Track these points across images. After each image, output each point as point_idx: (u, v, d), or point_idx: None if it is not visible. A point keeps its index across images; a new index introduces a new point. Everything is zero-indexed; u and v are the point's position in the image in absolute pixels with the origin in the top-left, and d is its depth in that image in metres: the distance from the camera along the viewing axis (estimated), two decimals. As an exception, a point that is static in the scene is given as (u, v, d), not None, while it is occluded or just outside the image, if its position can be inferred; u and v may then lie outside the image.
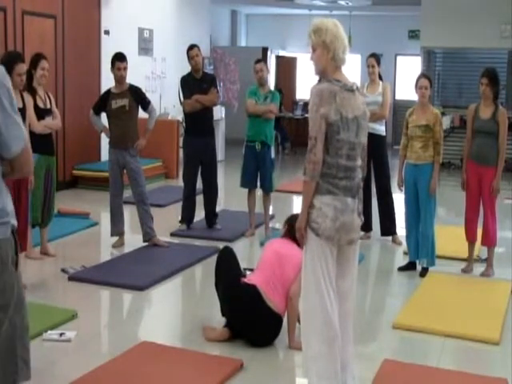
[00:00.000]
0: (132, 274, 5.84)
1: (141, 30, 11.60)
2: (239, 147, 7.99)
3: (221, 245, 5.77)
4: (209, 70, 13.13)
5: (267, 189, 7.28)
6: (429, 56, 13.88)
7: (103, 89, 8.16)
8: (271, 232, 7.19)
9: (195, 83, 7.25)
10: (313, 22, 3.50)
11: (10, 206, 2.58)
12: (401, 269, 6.29)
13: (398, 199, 7.12)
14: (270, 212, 7.66)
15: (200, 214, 7.61)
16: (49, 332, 4.45)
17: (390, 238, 7.30)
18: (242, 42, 18.52)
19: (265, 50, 16.15)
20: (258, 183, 7.26)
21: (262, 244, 6.75)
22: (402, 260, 6.56)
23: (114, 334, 4.79)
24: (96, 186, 9.48)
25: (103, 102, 6.71)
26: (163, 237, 6.95)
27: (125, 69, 6.62)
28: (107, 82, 8.09)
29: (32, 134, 5.58)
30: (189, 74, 7.38)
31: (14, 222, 2.59)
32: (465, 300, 5.48)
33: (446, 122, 11.95)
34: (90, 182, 9.76)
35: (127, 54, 6.76)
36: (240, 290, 4.42)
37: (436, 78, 13.73)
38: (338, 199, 3.40)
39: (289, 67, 17.73)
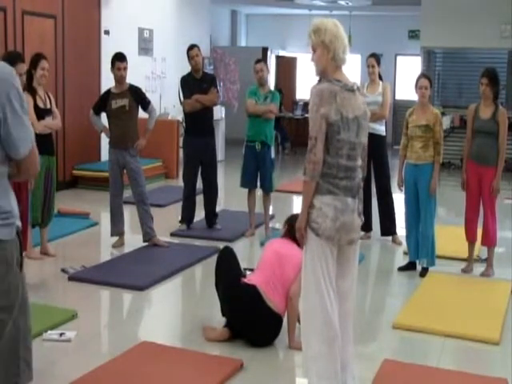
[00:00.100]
0: (132, 274, 5.83)
1: (141, 30, 11.60)
2: (239, 147, 7.99)
3: (221, 245, 5.77)
4: (209, 70, 13.13)
5: (267, 189, 7.28)
6: (429, 56, 13.87)
7: (103, 89, 8.16)
8: (271, 232, 7.19)
9: (195, 83, 7.24)
10: (313, 22, 3.50)
11: (15, 208, 2.58)
12: (401, 269, 6.29)
13: (398, 199, 7.12)
14: (270, 212, 7.66)
15: (200, 214, 7.61)
16: (49, 332, 4.45)
17: (390, 238, 7.30)
18: (242, 42, 18.51)
19: (265, 50, 16.14)
20: (258, 183, 7.26)
21: (262, 244, 6.75)
22: (402, 260, 6.56)
23: (113, 334, 4.79)
24: (96, 186, 9.47)
25: (103, 102, 6.71)
26: (163, 237, 6.95)
27: (125, 69, 6.62)
28: (107, 81, 8.09)
29: (32, 134, 5.58)
30: (189, 74, 7.37)
31: (19, 223, 2.60)
32: (465, 300, 5.48)
33: (446, 122, 11.95)
34: (89, 181, 9.76)
35: (127, 54, 6.76)
36: (240, 290, 4.42)
37: (436, 78, 13.72)
38: (339, 199, 3.39)
39: (289, 67, 17.72)
